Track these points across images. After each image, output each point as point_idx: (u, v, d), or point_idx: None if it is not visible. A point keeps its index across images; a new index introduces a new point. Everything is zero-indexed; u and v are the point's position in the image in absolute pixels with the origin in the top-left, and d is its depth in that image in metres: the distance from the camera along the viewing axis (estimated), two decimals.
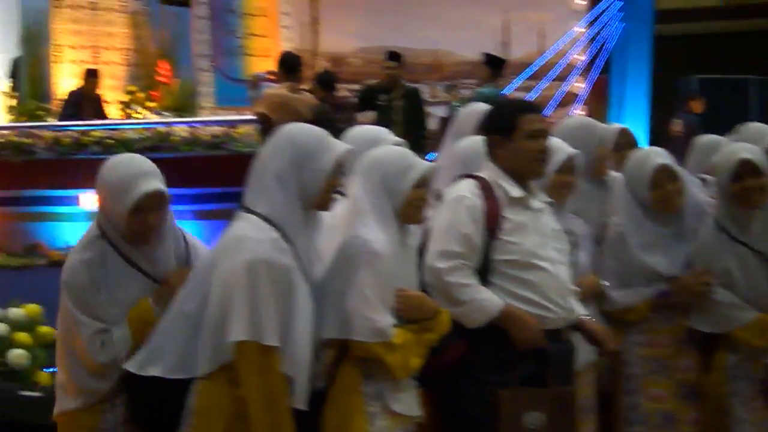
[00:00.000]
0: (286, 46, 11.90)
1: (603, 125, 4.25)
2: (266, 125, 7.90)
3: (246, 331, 2.53)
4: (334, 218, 2.88)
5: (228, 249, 2.65)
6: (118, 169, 2.84)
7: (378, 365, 2.76)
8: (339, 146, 2.76)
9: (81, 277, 2.84)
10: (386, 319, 2.74)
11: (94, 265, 2.84)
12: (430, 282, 3.09)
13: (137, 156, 2.97)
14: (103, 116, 10.43)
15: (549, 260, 3.18)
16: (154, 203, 2.79)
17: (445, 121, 9.74)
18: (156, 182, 2.80)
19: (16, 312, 5.52)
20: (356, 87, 10.28)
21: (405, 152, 3.04)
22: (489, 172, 3.26)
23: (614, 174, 4.10)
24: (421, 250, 3.19)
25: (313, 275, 2.76)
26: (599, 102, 13.16)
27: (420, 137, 8.24)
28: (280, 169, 2.67)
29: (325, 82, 8.21)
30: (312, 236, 2.78)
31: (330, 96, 8.05)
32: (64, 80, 11.68)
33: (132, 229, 2.79)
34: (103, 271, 2.84)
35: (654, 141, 12.04)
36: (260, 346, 2.54)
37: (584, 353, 3.49)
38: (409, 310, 2.84)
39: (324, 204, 2.76)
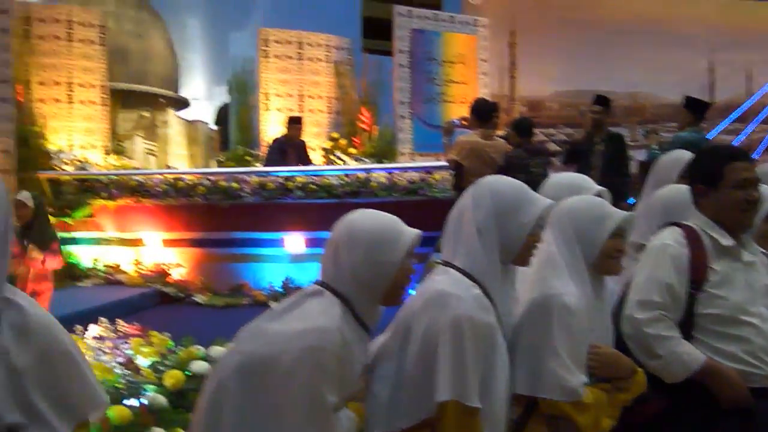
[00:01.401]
0: (484, 92, 12.06)
1: None
2: (458, 171, 7.99)
3: (451, 391, 2.46)
4: (525, 269, 2.79)
5: (430, 304, 2.58)
6: (373, 220, 2.60)
7: (568, 424, 2.66)
8: (541, 200, 2.68)
9: (336, 345, 2.41)
10: (578, 378, 2.65)
11: (344, 336, 2.45)
12: (628, 333, 3.00)
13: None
14: (307, 162, 10.88)
15: (759, 316, 2.99)
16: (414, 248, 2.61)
17: (644, 166, 9.49)
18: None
19: (218, 351, 5.61)
20: (553, 131, 10.22)
21: (600, 201, 2.96)
22: (696, 220, 3.14)
23: None
24: (621, 301, 3.11)
25: (508, 331, 2.70)
26: None
27: (621, 184, 8.03)
28: (480, 222, 2.62)
29: (521, 127, 8.19)
30: (509, 291, 2.72)
31: (526, 141, 8.03)
32: (271, 127, 12.31)
33: (398, 283, 2.56)
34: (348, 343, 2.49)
35: None
36: (464, 407, 2.47)
37: None
38: (604, 368, 2.74)
39: (524, 259, 2.69)
